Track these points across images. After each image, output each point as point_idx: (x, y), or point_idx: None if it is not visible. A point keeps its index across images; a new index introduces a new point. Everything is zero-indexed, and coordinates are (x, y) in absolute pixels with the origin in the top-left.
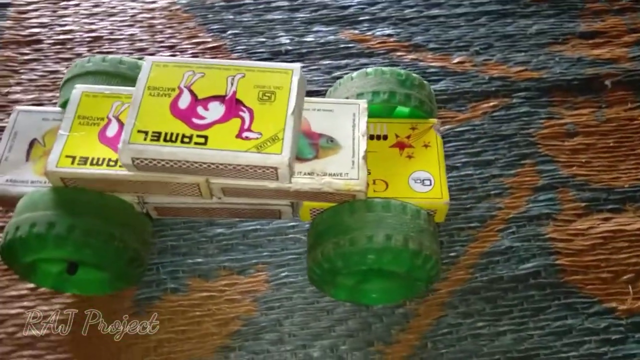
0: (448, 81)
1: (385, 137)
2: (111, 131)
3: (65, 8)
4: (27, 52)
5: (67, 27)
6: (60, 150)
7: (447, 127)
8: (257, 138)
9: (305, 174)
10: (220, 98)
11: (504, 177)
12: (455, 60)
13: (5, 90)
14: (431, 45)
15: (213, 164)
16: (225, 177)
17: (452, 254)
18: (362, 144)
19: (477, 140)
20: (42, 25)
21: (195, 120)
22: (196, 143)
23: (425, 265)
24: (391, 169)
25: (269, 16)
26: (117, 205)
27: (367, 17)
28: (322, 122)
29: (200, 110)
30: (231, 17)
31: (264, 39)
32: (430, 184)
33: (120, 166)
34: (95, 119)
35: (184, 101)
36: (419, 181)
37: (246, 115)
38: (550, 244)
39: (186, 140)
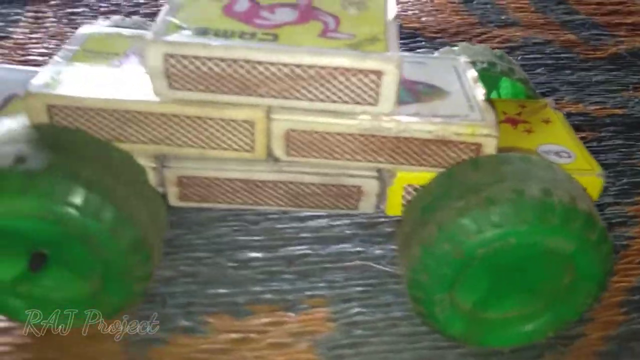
0: None
1: None
2: (129, 64)
3: None
4: None
5: None
6: (52, 73)
7: None
8: (348, 38)
9: (408, 115)
10: (290, 5)
11: (624, 205)
12: None
13: None
14: None
15: (285, 66)
16: (298, 97)
17: None
18: (477, 90)
19: None
20: None
21: (258, 21)
22: (261, 39)
23: (591, 243)
24: (509, 143)
25: None
26: (126, 162)
27: None
28: (416, 71)
29: (264, 13)
30: None
31: None
32: (570, 156)
33: (142, 93)
34: (108, 53)
35: (242, 5)
36: (552, 153)
37: (329, 20)
38: None
39: (246, 37)
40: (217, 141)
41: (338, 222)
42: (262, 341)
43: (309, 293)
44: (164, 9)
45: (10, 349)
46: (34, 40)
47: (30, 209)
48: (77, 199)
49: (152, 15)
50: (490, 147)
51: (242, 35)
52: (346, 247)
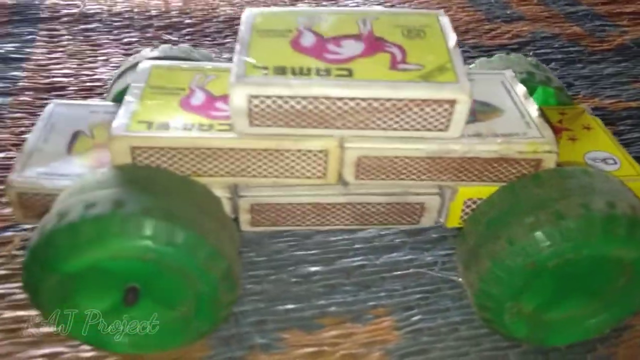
0: None
1: None
2: (197, 100)
3: None
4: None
5: None
6: (129, 114)
7: None
8: (418, 69)
9: (469, 136)
10: (354, 36)
11: None
12: None
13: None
14: None
15: (363, 100)
16: (372, 127)
17: None
18: (529, 106)
19: None
20: None
21: (329, 56)
22: (338, 75)
23: None
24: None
25: None
26: (206, 195)
27: None
28: None
29: (331, 47)
30: None
31: None
32: (616, 163)
33: (218, 129)
34: (173, 89)
35: (308, 39)
36: (599, 161)
37: (395, 50)
38: None
39: (323, 73)
40: (291, 170)
41: (386, 232)
42: (335, 353)
43: (371, 303)
44: (237, 49)
45: None
46: (54, 61)
47: (133, 251)
48: (178, 239)
49: (165, 28)
50: (550, 162)
51: (318, 72)
52: (398, 255)
